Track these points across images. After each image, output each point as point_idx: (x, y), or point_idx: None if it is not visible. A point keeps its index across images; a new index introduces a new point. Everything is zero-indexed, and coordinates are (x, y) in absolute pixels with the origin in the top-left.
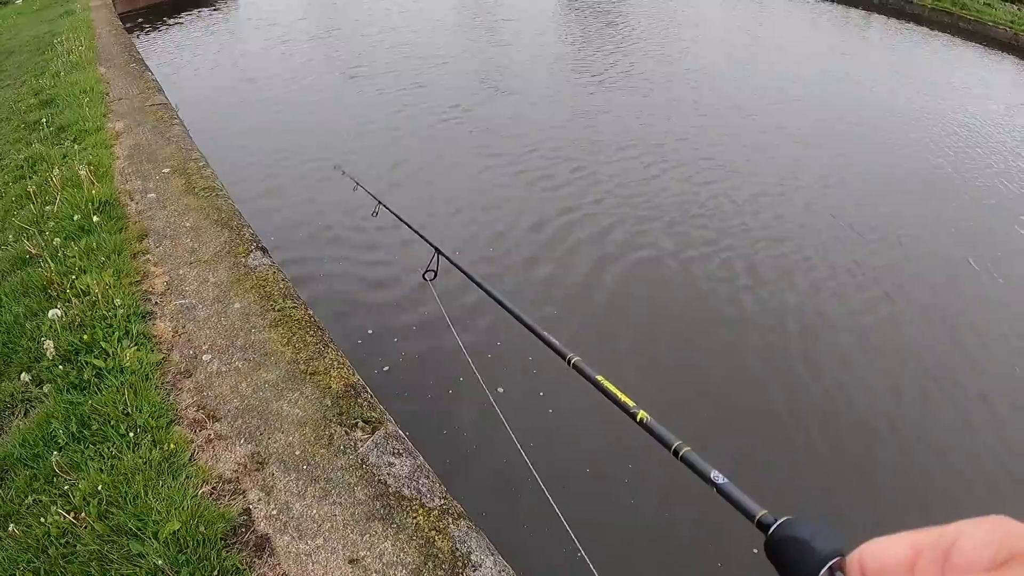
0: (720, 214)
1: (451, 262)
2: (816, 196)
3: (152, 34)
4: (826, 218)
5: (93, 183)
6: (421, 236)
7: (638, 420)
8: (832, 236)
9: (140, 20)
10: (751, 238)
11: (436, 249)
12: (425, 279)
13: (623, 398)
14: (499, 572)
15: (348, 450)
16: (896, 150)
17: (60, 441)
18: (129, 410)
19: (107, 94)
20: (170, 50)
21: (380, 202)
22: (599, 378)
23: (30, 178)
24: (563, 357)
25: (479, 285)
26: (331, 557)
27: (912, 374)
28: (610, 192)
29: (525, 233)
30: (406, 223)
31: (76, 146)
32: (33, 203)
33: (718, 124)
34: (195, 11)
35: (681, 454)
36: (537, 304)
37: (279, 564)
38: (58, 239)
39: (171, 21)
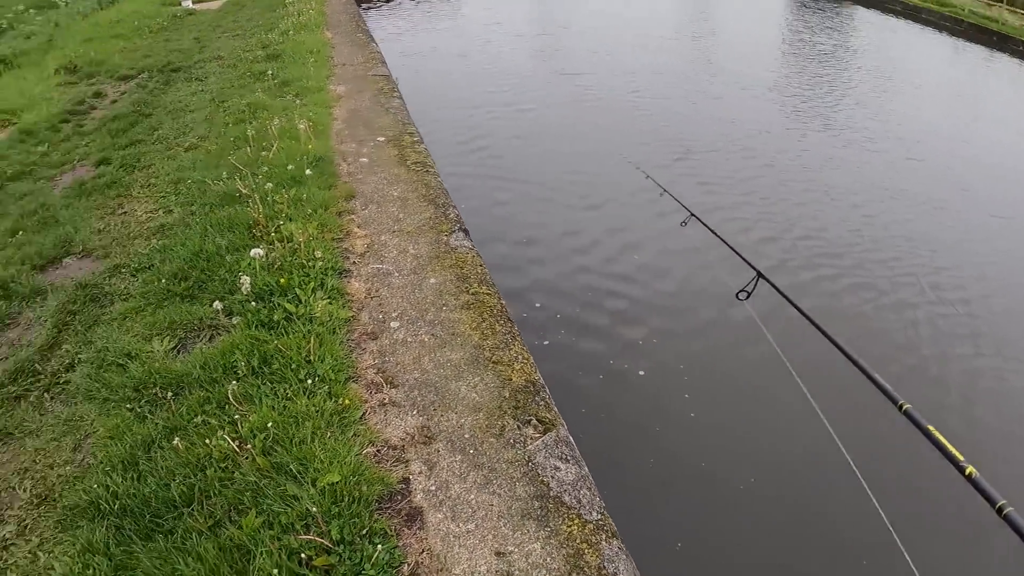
0: None
1: (774, 287)
2: None
3: (379, 8)
4: None
5: (311, 138)
6: (742, 257)
7: (966, 474)
8: None
9: None
10: None
11: (758, 272)
12: (739, 298)
13: (952, 451)
14: None
15: (517, 445)
16: None
17: (240, 372)
18: (311, 358)
19: (332, 58)
20: (394, 26)
21: (692, 213)
22: (930, 428)
23: (250, 123)
24: (894, 402)
25: (804, 315)
26: (479, 544)
27: None
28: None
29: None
30: (724, 240)
31: (298, 101)
32: (250, 147)
33: None
34: None
35: (1005, 513)
36: None
37: (427, 539)
38: (270, 184)
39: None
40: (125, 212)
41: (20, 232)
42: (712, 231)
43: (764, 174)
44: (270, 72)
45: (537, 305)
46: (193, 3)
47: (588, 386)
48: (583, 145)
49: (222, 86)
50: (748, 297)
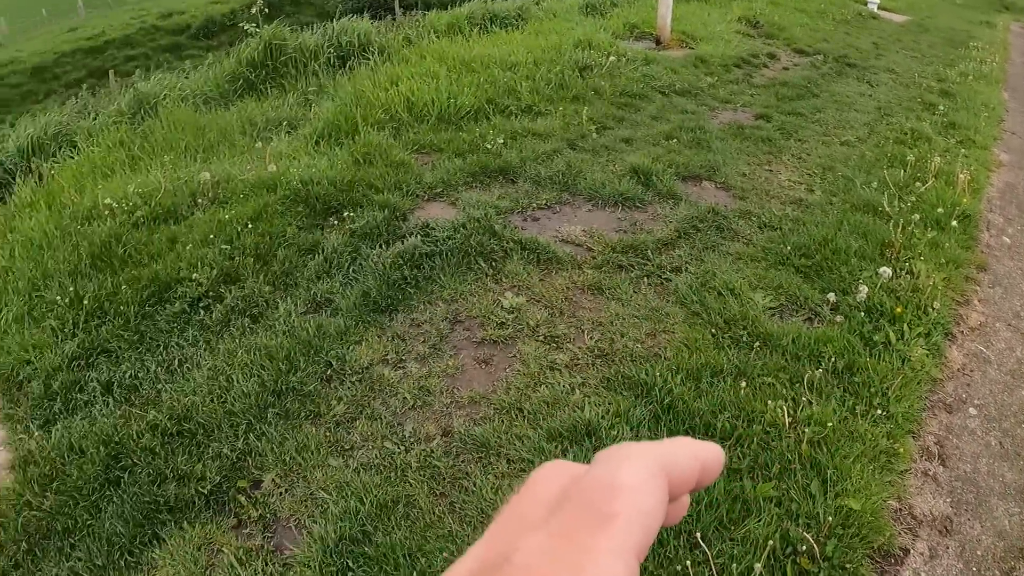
0: None
1: None
2: None
3: None
4: None
5: (964, 192)
6: None
7: None
8: None
9: None
10: None
11: None
12: None
13: None
14: None
15: None
16: None
17: (823, 365)
18: (888, 392)
19: (1003, 120)
20: None
21: None
22: None
23: (911, 148)
24: None
25: None
26: None
27: None
28: None
29: None
30: None
31: (961, 149)
32: (904, 171)
33: None
34: None
35: None
36: None
37: None
38: (917, 215)
39: None
40: (771, 170)
41: (674, 140)
42: None
43: None
44: (941, 107)
45: None
46: (878, 8)
47: None
48: None
49: (889, 99)
50: None
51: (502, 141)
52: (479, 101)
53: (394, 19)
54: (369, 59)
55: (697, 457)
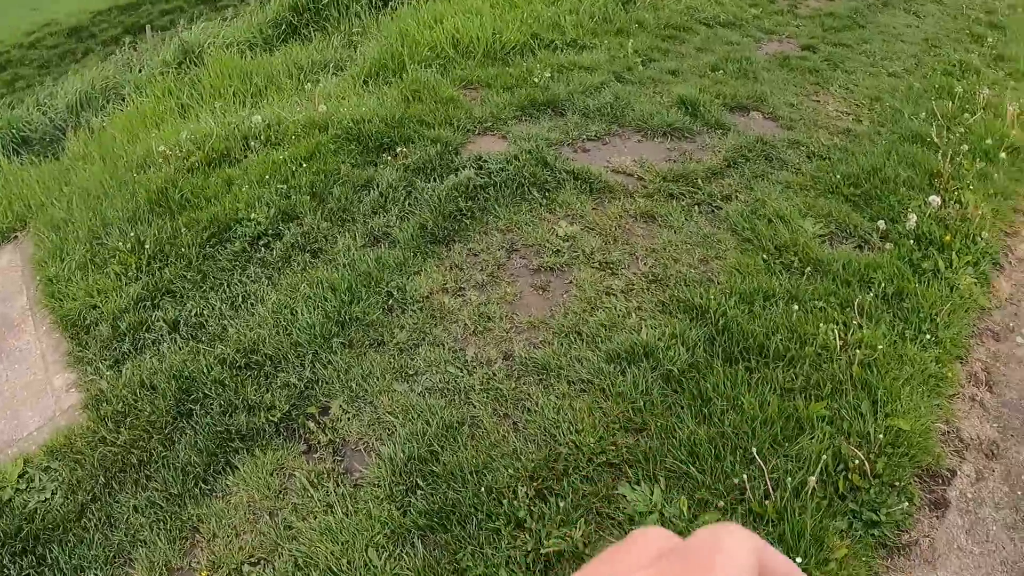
0: None
1: None
2: None
3: None
4: None
5: (1012, 124)
6: None
7: None
8: None
9: None
10: None
11: None
12: None
13: None
14: None
15: None
16: None
17: (873, 291)
18: (936, 318)
19: None
20: None
21: None
22: None
23: (958, 80)
24: None
25: None
26: (972, 570)
27: None
28: None
29: None
30: None
31: (1010, 81)
32: (952, 102)
33: None
34: None
35: None
36: None
37: (936, 530)
38: (965, 147)
39: None
40: (818, 101)
41: (720, 71)
42: None
43: None
44: (989, 40)
45: None
46: None
47: None
48: None
49: (936, 32)
50: None
51: (549, 75)
52: (524, 36)
53: None
54: None
55: (791, 572)
